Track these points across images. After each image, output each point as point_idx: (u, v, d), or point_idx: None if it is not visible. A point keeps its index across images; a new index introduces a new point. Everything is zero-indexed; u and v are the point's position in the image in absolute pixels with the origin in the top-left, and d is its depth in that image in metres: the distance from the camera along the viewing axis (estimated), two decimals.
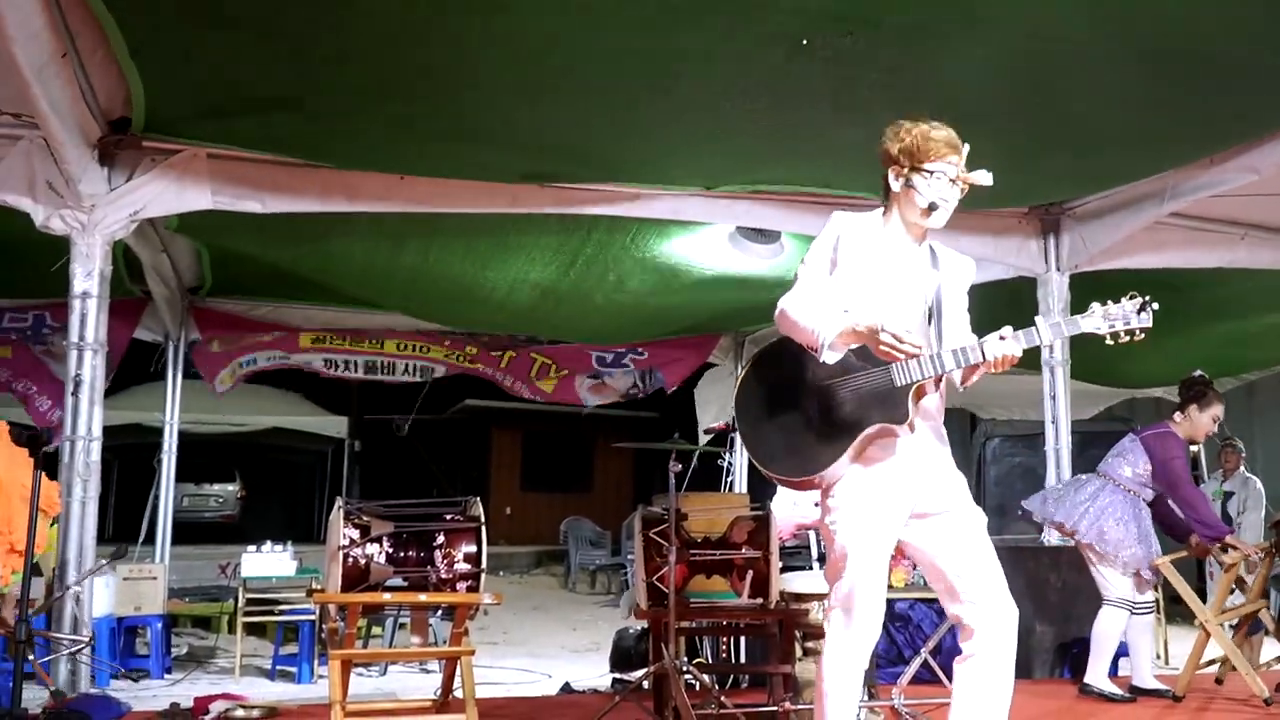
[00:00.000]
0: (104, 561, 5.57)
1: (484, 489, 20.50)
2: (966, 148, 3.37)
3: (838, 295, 3.36)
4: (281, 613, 8.30)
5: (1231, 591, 6.30)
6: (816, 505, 3.61)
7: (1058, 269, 7.42)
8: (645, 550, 5.23)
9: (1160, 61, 5.05)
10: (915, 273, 3.43)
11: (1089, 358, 8.31)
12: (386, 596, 4.94)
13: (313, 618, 7.95)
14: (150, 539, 9.40)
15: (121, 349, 8.51)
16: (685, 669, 5.11)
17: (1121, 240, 7.14)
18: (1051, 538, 7.16)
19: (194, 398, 10.50)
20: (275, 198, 6.12)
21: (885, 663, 6.31)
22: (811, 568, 6.34)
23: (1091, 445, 8.29)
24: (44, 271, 6.14)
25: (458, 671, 4.83)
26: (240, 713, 5.35)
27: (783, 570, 5.47)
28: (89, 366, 5.64)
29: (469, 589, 4.98)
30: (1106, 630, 5.93)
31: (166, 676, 7.93)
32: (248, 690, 6.70)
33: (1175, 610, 10.13)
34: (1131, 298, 3.28)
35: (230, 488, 19.99)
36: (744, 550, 5.29)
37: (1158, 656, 8.45)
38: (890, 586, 4.58)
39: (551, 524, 19.81)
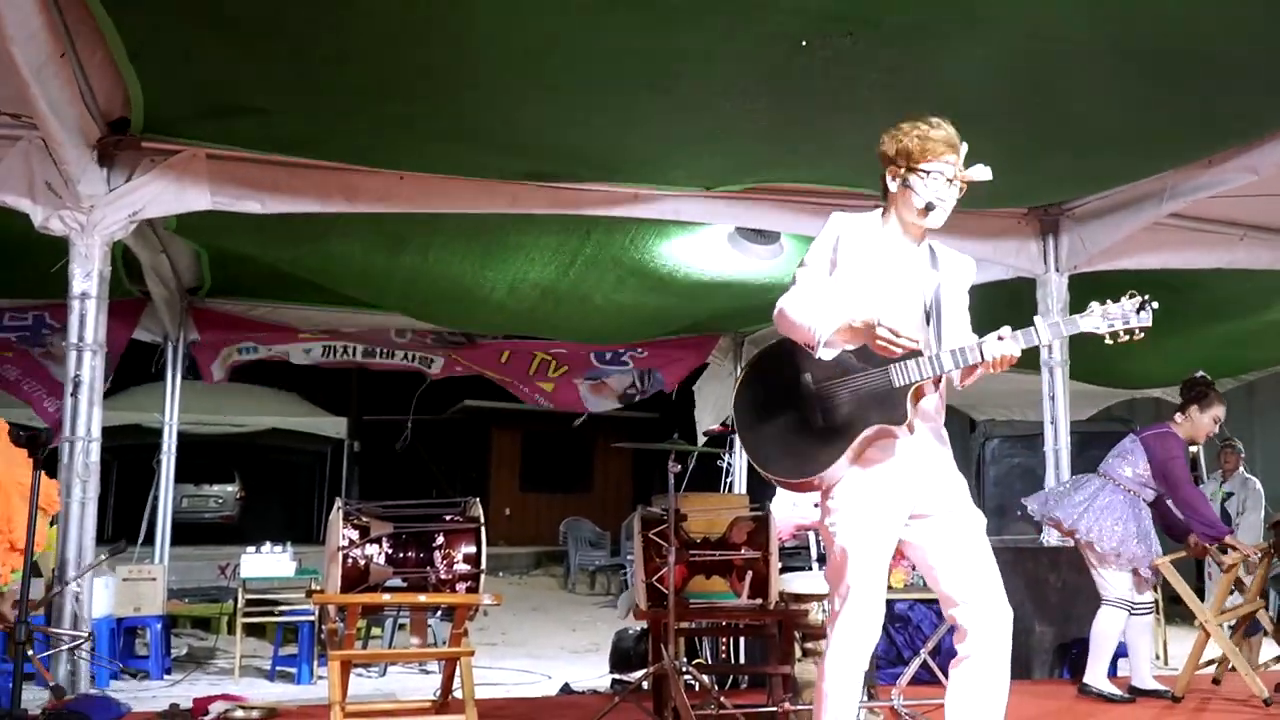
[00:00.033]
0: (103, 556, 5.57)
1: (483, 489, 20.50)
2: (965, 147, 3.36)
3: (837, 295, 3.36)
4: (281, 613, 8.29)
5: (1231, 592, 6.30)
6: (816, 506, 3.61)
7: (1056, 270, 7.42)
8: (645, 551, 5.24)
9: (1159, 62, 5.05)
10: (914, 273, 3.42)
11: (1088, 358, 8.31)
12: (386, 597, 4.94)
13: (312, 618, 7.95)
14: (149, 540, 9.39)
15: (120, 350, 8.51)
16: (685, 670, 5.11)
17: (1120, 241, 7.14)
18: (1051, 538, 7.16)
19: (193, 398, 10.51)
20: (274, 198, 6.12)
21: (885, 663, 6.31)
22: (811, 568, 6.34)
23: (1091, 446, 8.29)
24: (44, 272, 6.13)
25: (457, 672, 4.83)
26: (240, 713, 5.34)
27: (782, 571, 5.47)
28: (88, 367, 5.63)
29: (468, 590, 4.98)
30: (1105, 630, 5.94)
31: (166, 677, 7.92)
32: (247, 691, 6.69)
33: (1174, 611, 10.13)
34: (1131, 297, 3.27)
35: (229, 488, 19.99)
36: (743, 551, 5.29)
37: (1157, 657, 8.45)
38: (890, 587, 4.58)
39: (551, 525, 19.82)
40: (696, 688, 5.30)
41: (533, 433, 21.80)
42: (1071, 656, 6.74)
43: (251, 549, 8.50)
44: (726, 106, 5.50)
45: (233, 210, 6.08)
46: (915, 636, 6.54)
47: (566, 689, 7.05)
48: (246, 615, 8.26)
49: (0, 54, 4.48)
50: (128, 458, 15.22)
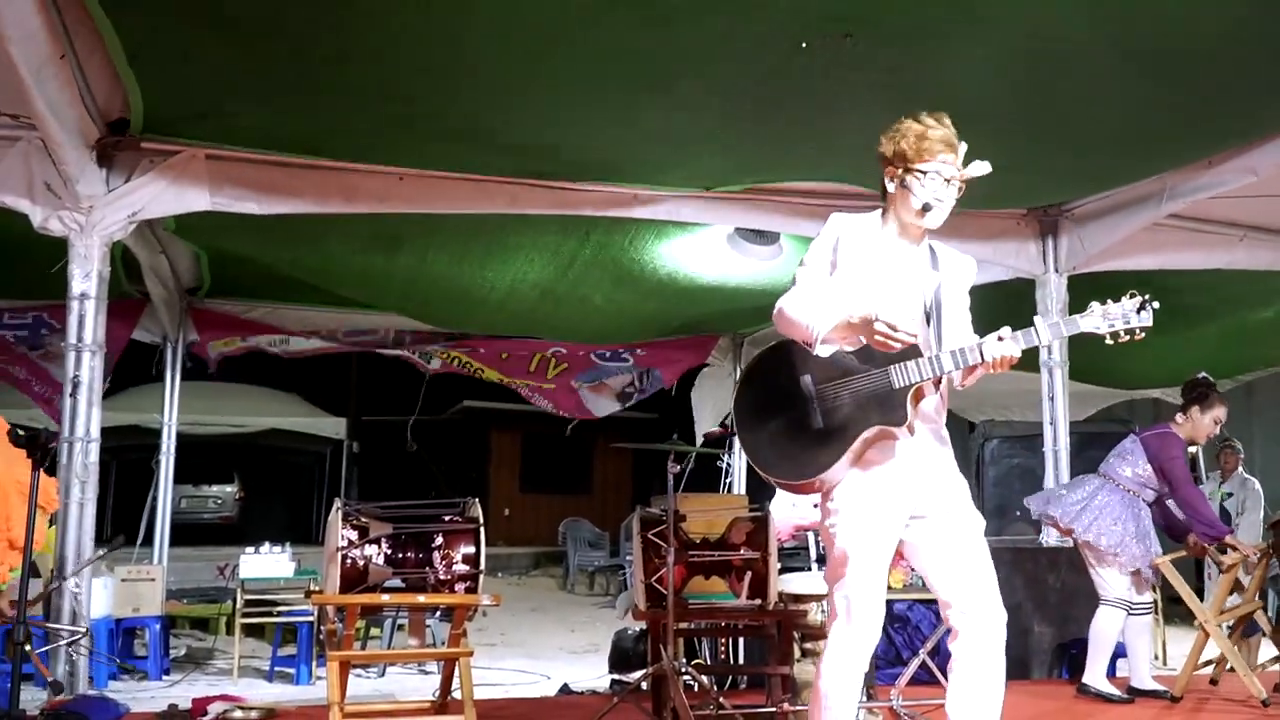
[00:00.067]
0: (102, 551, 5.56)
1: (483, 490, 20.50)
2: (964, 146, 3.36)
3: (836, 293, 3.35)
4: (280, 614, 8.29)
5: (1230, 593, 6.31)
6: (815, 507, 3.60)
7: (1056, 270, 7.42)
8: (644, 551, 5.24)
9: (1159, 62, 5.05)
10: (914, 273, 3.42)
11: (1087, 359, 8.31)
12: (385, 598, 4.93)
13: (311, 619, 7.94)
14: (148, 540, 9.38)
15: (119, 350, 8.50)
16: (684, 670, 5.11)
17: (1120, 242, 7.14)
18: (1050, 538, 7.16)
19: (192, 399, 10.50)
20: (273, 199, 6.11)
21: (884, 664, 6.31)
22: (810, 569, 6.34)
23: (1090, 446, 8.28)
24: (44, 272, 6.13)
25: (456, 673, 4.83)
26: (238, 714, 5.34)
27: (781, 571, 5.48)
28: (87, 368, 5.63)
29: (467, 590, 4.98)
30: (1104, 630, 5.94)
31: (165, 678, 7.92)
32: (246, 691, 6.69)
33: (1173, 611, 10.14)
34: (1131, 297, 3.26)
35: (228, 489, 19.99)
36: (742, 551, 5.30)
37: (1156, 657, 8.45)
38: (889, 587, 4.58)
39: (550, 525, 19.83)
40: (695, 688, 5.30)
41: (532, 433, 21.79)
42: (1070, 656, 6.74)
43: (250, 549, 8.50)
44: (726, 107, 5.50)
45: (232, 211, 6.08)
46: (914, 637, 6.54)
47: (565, 689, 7.05)
48: (245, 616, 8.26)
49: None
50: (127, 458, 15.24)
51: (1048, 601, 6.89)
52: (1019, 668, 6.70)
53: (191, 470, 16.98)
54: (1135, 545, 5.82)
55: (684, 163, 6.35)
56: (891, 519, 3.33)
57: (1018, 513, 10.04)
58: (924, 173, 3.33)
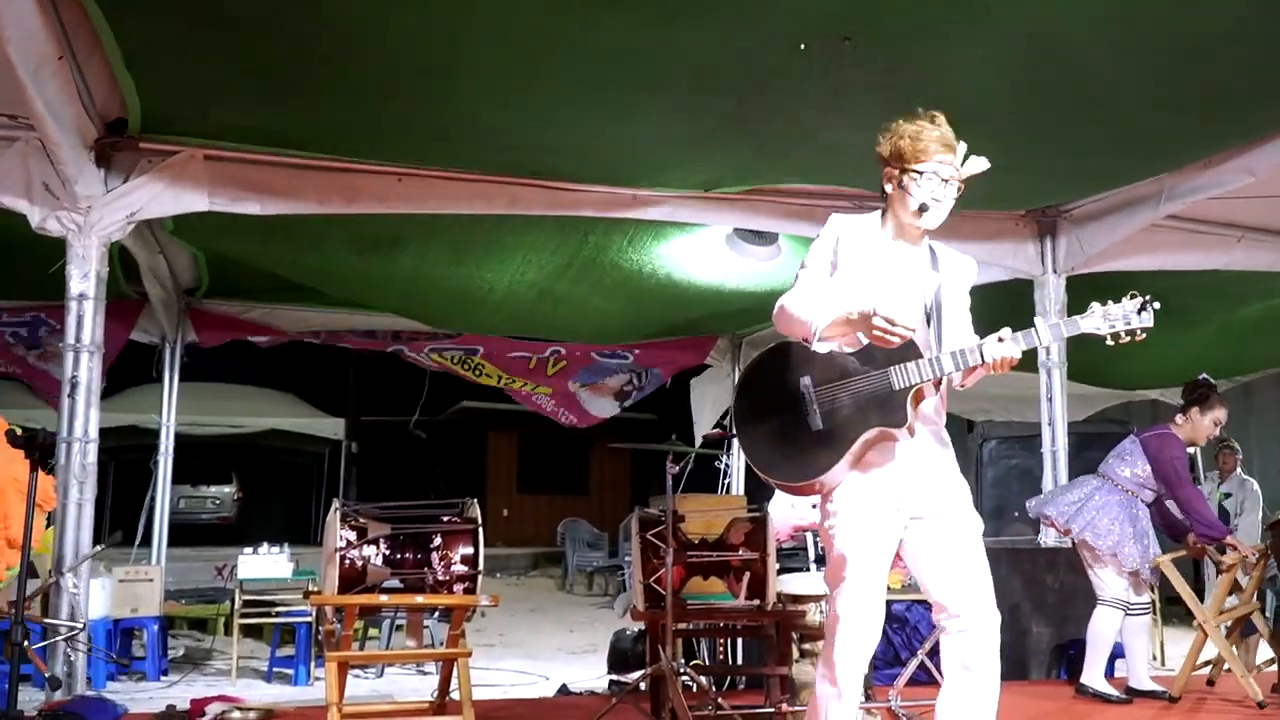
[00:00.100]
0: (100, 546, 5.55)
1: (481, 491, 20.51)
2: (963, 146, 3.35)
3: (836, 291, 3.35)
4: (278, 614, 8.29)
5: (1229, 593, 6.31)
6: (814, 507, 3.60)
7: (1054, 271, 7.42)
8: (642, 552, 5.24)
9: (1158, 63, 5.05)
10: (914, 274, 3.41)
11: (1085, 360, 8.32)
12: (383, 598, 4.93)
13: (309, 619, 7.94)
14: (146, 541, 9.38)
15: (117, 351, 8.50)
16: (682, 670, 5.11)
17: (1118, 242, 7.14)
18: (1048, 539, 7.17)
19: (190, 399, 10.50)
20: (272, 200, 6.10)
21: (882, 664, 6.31)
22: (809, 569, 6.34)
23: (1089, 447, 8.30)
24: (43, 272, 6.12)
25: (454, 673, 4.83)
26: (236, 714, 5.33)
27: (780, 572, 5.48)
28: (85, 368, 5.62)
29: (466, 591, 4.97)
30: (1101, 630, 5.94)
31: (163, 678, 7.93)
32: (244, 692, 6.69)
33: (1171, 611, 10.15)
34: (1132, 297, 3.25)
35: (227, 489, 19.99)
36: (741, 552, 5.30)
37: (1154, 658, 8.46)
38: (888, 588, 4.58)
39: (549, 526, 19.84)
40: (694, 689, 5.30)
41: (530, 434, 21.81)
42: (1069, 657, 6.75)
43: (249, 550, 8.50)
44: (726, 108, 5.50)
45: (230, 212, 6.07)
46: (913, 637, 6.54)
47: (564, 690, 7.06)
48: (244, 616, 8.26)
49: None
50: (125, 459, 15.23)
51: (1046, 602, 6.90)
52: (1017, 668, 6.71)
53: (190, 471, 16.99)
54: (1133, 546, 5.82)
55: (683, 164, 6.34)
56: (891, 521, 3.32)
57: (1016, 513, 10.07)
58: (920, 173, 3.33)
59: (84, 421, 5.60)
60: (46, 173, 5.63)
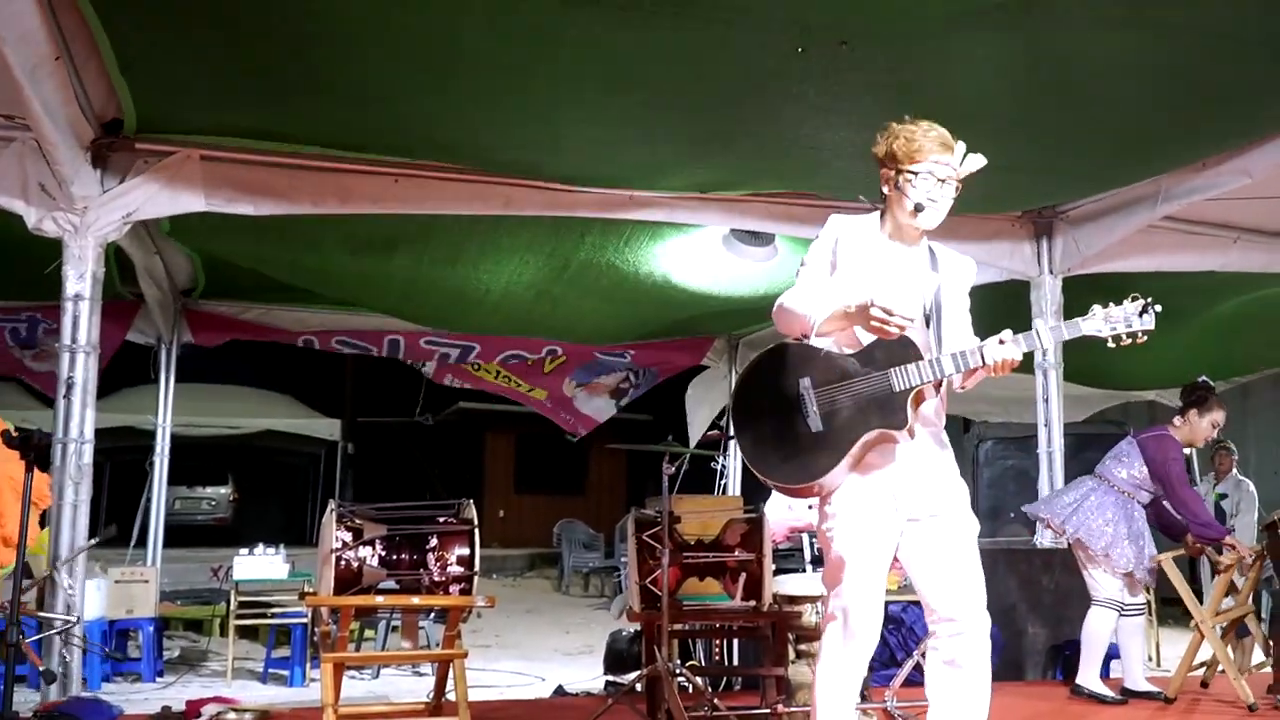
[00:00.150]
0: (95, 539, 5.55)
1: (477, 491, 20.49)
2: (961, 146, 3.35)
3: (836, 288, 3.34)
4: (274, 616, 8.28)
5: (1225, 594, 6.32)
6: (811, 508, 3.59)
7: (1050, 272, 7.43)
8: (638, 553, 5.24)
9: (1156, 64, 5.05)
10: (913, 275, 3.40)
11: (1082, 361, 8.32)
12: (379, 599, 4.93)
13: (305, 621, 7.93)
14: (142, 542, 9.37)
15: (112, 352, 8.49)
16: (678, 671, 5.11)
17: (1115, 243, 7.15)
18: (1044, 540, 7.18)
19: (186, 400, 10.48)
20: (269, 200, 6.10)
21: (878, 665, 6.30)
22: (805, 570, 6.34)
23: (1086, 448, 8.31)
24: (39, 273, 6.11)
25: (450, 674, 4.83)
26: (232, 716, 5.33)
27: (776, 573, 5.47)
28: (81, 369, 5.62)
29: (462, 592, 4.97)
30: (1096, 630, 5.95)
31: (158, 679, 7.91)
32: (240, 693, 6.68)
33: (1167, 612, 10.15)
34: (1133, 300, 3.25)
35: (222, 490, 19.98)
36: (737, 553, 5.30)
37: (1149, 659, 8.46)
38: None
39: (545, 527, 19.82)
40: (690, 690, 5.30)
41: (527, 435, 21.79)
42: (1064, 658, 6.75)
43: (244, 551, 8.48)
44: (726, 110, 5.49)
45: (227, 212, 6.07)
46: (909, 638, 6.53)
47: (560, 691, 7.05)
48: (239, 617, 8.24)
49: None
50: (121, 460, 15.21)
51: (1042, 603, 6.90)
52: (1013, 669, 6.71)
53: (186, 472, 16.97)
54: (1128, 546, 5.83)
55: (682, 166, 6.33)
56: (889, 523, 3.31)
57: (1012, 514, 10.07)
58: (915, 173, 3.33)
59: (80, 422, 5.60)
60: (43, 173, 5.63)
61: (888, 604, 6.00)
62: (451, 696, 4.80)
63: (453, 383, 10.55)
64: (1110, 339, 3.25)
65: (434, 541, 5.05)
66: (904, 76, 5.02)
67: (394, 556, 5.02)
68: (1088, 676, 5.97)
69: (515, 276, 8.16)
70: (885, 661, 6.42)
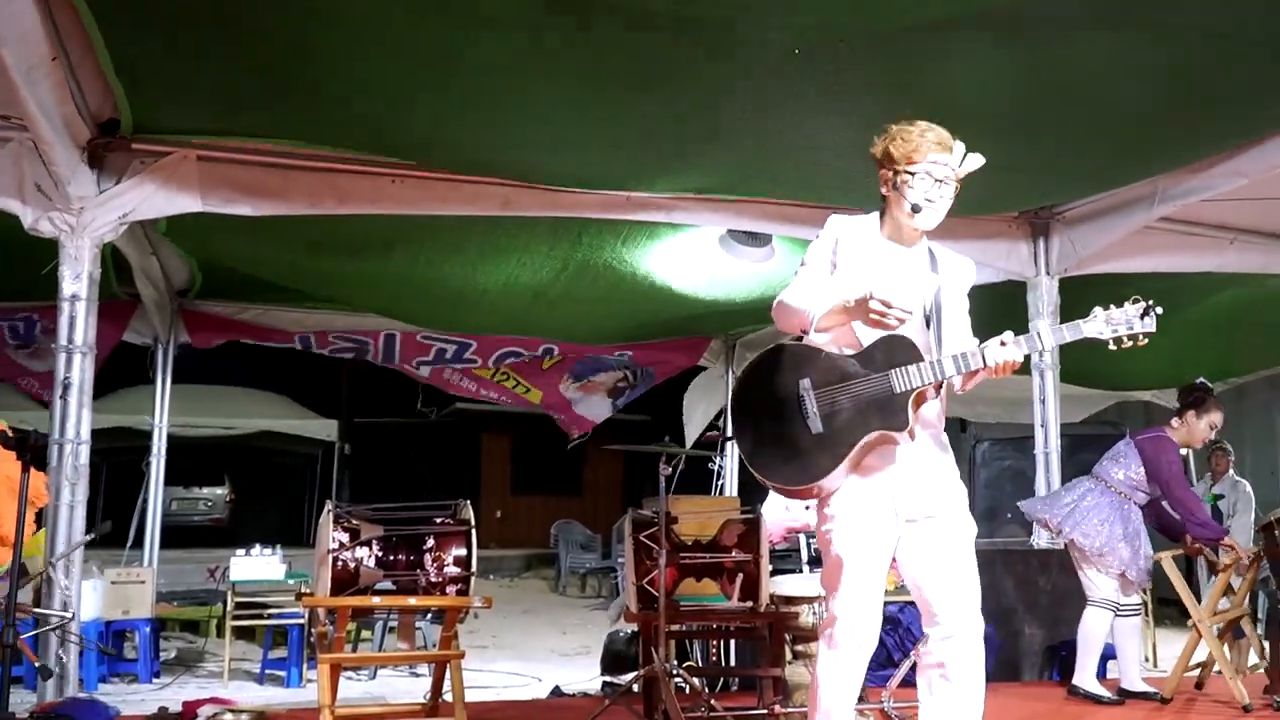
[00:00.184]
0: (91, 534, 5.54)
1: (474, 492, 20.46)
2: (960, 145, 3.34)
3: (836, 286, 3.34)
4: (270, 616, 8.28)
5: (1222, 595, 6.32)
6: (807, 509, 3.59)
7: (1047, 273, 7.43)
8: (635, 553, 5.24)
9: (1155, 65, 5.05)
10: (913, 276, 3.40)
11: (1078, 362, 8.33)
12: (376, 600, 4.93)
13: (302, 621, 7.93)
14: (138, 543, 9.36)
15: (108, 352, 8.48)
16: (675, 672, 5.11)
17: (1111, 244, 7.15)
18: (1041, 540, 7.18)
19: (183, 401, 10.48)
20: (265, 201, 6.09)
21: (875, 665, 6.29)
22: (802, 571, 6.34)
23: (1082, 449, 8.30)
24: (36, 274, 6.11)
25: (447, 675, 4.82)
26: (229, 717, 5.33)
27: (773, 573, 5.48)
28: (78, 369, 5.61)
29: (458, 592, 4.97)
30: (1092, 630, 5.95)
31: (155, 680, 7.91)
32: (236, 694, 6.67)
33: (1163, 613, 10.16)
34: (1135, 302, 3.25)
35: (219, 491, 19.97)
36: (734, 553, 5.30)
37: (1145, 659, 8.47)
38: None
39: (542, 527, 19.81)
40: (687, 690, 5.29)
41: (524, 435, 21.78)
42: (1061, 658, 6.75)
43: (241, 552, 8.47)
44: (718, 114, 5.49)
45: (223, 213, 6.06)
46: (905, 639, 6.54)
47: (557, 692, 7.05)
48: (236, 618, 8.23)
49: None
50: (117, 460, 15.19)
51: (1038, 603, 6.90)
52: (1009, 669, 6.72)
53: (182, 472, 16.96)
54: (1123, 547, 5.83)
55: (681, 167, 6.33)
56: (888, 525, 3.31)
57: (1009, 515, 10.07)
58: (912, 174, 3.32)
59: (76, 423, 5.59)
60: (39, 173, 5.62)
61: (885, 604, 6.02)
62: (448, 697, 4.80)
63: (452, 377, 10.52)
64: (1112, 341, 3.25)
65: (431, 542, 5.05)
66: (903, 77, 5.02)
67: (391, 557, 5.02)
68: (1084, 677, 5.97)
69: (513, 277, 8.15)
70: (882, 662, 6.42)
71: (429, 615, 6.36)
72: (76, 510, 5.54)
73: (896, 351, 3.27)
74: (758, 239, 7.45)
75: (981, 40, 4.79)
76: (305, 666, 8.03)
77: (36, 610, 5.36)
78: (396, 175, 6.29)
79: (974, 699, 3.28)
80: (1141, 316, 3.23)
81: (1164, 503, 5.97)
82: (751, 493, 5.52)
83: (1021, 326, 3.28)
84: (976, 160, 3.33)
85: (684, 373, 11.10)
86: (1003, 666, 6.55)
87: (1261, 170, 6.01)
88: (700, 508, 5.72)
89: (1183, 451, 6.06)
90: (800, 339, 3.44)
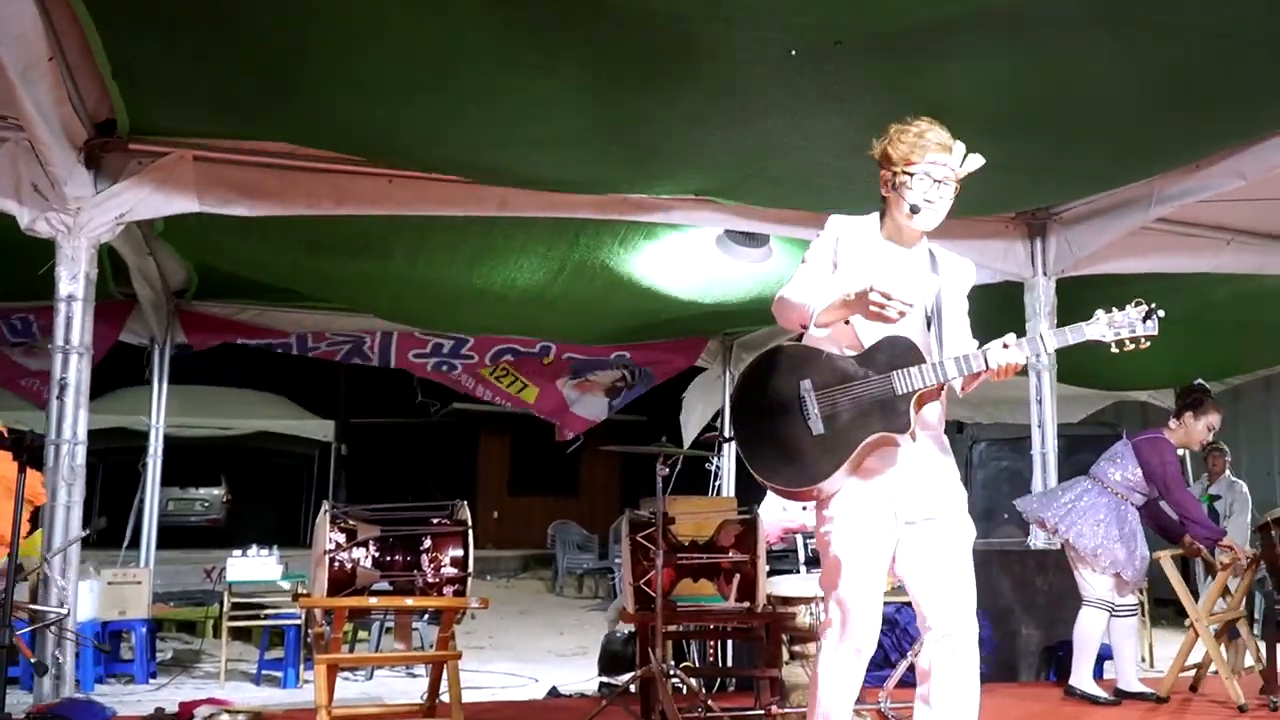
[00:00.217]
0: (86, 531, 5.54)
1: (471, 492, 20.47)
2: (960, 146, 3.34)
3: (836, 283, 3.33)
4: (267, 617, 8.27)
5: (1219, 595, 6.33)
6: (805, 509, 3.59)
7: (1044, 274, 7.44)
8: (632, 554, 5.24)
9: (1155, 65, 5.05)
10: (913, 277, 3.38)
11: (1074, 362, 8.33)
12: (373, 601, 4.92)
13: (298, 622, 7.92)
14: (135, 543, 9.35)
15: (104, 352, 8.47)
16: (672, 673, 5.11)
17: (1108, 245, 7.16)
18: (1038, 540, 7.18)
19: (180, 401, 10.47)
20: (262, 201, 6.08)
21: (872, 666, 6.28)
22: (799, 571, 6.34)
23: (1079, 449, 8.30)
24: (33, 275, 6.10)
25: (444, 676, 4.82)
26: (225, 717, 5.32)
27: (770, 574, 5.48)
28: (74, 370, 5.61)
29: (455, 593, 4.97)
30: (1087, 631, 5.96)
31: (151, 681, 7.89)
32: (233, 695, 6.67)
33: (1160, 613, 10.16)
34: (1136, 305, 3.25)
35: (216, 491, 19.96)
36: (731, 554, 5.30)
37: (1142, 659, 8.47)
38: None
39: (539, 528, 19.80)
40: (684, 691, 5.30)
41: (521, 436, 21.77)
42: (1058, 659, 6.76)
43: (238, 552, 8.46)
44: (716, 117, 5.49)
45: (220, 213, 6.06)
46: (902, 639, 6.53)
47: (554, 692, 7.05)
48: (232, 619, 8.22)
49: None
50: (114, 461, 15.19)
51: (1035, 604, 6.90)
52: (1006, 670, 6.72)
53: (179, 473, 16.94)
54: (1118, 548, 5.83)
55: (680, 167, 6.32)
56: (887, 527, 3.31)
57: (1006, 515, 10.07)
58: (911, 174, 3.32)
59: (72, 423, 5.58)
60: (36, 174, 5.61)
61: (883, 604, 6.00)
62: (445, 698, 4.79)
63: (450, 372, 10.51)
64: (1114, 344, 3.25)
65: (428, 543, 5.05)
66: (903, 77, 5.02)
67: (388, 558, 5.02)
68: (1080, 677, 5.97)
69: (511, 278, 8.15)
70: (879, 662, 6.41)
71: (426, 616, 6.35)
72: (73, 511, 5.54)
73: (898, 353, 3.26)
74: (755, 239, 7.45)
75: (980, 40, 4.78)
76: (302, 667, 8.02)
77: (32, 606, 5.35)
78: (394, 176, 6.29)
79: (969, 701, 3.28)
80: (1144, 319, 3.23)
81: (1162, 503, 5.97)
82: (749, 493, 5.52)
83: (1019, 327, 3.27)
84: (976, 161, 3.32)
85: (681, 374, 11.09)
86: (999, 667, 6.55)
87: (1260, 171, 6.00)
88: (697, 508, 5.73)
89: (1180, 452, 6.06)
90: (800, 338, 3.43)
